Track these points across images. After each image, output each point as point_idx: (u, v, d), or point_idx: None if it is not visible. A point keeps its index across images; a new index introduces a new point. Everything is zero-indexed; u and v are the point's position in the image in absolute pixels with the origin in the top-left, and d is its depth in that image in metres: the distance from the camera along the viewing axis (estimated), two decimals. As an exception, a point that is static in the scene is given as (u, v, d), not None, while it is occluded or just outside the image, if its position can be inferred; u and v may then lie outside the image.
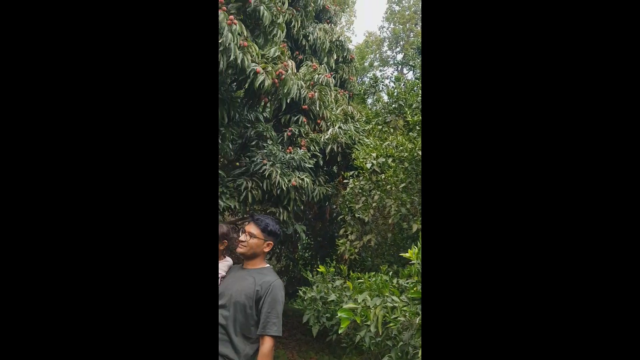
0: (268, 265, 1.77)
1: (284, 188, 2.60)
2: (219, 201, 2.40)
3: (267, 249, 1.72)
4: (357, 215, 2.59)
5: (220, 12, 1.93)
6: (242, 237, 1.66)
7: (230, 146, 2.59)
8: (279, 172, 2.61)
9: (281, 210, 2.73)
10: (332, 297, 1.89)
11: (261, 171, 2.60)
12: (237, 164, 2.88)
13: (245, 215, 3.11)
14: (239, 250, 1.65)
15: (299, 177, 2.66)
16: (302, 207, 2.78)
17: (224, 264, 1.73)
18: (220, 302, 1.53)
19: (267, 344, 1.46)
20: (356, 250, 2.48)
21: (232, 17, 1.98)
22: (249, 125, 2.89)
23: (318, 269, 2.20)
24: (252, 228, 1.66)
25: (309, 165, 2.82)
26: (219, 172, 2.31)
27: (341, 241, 2.58)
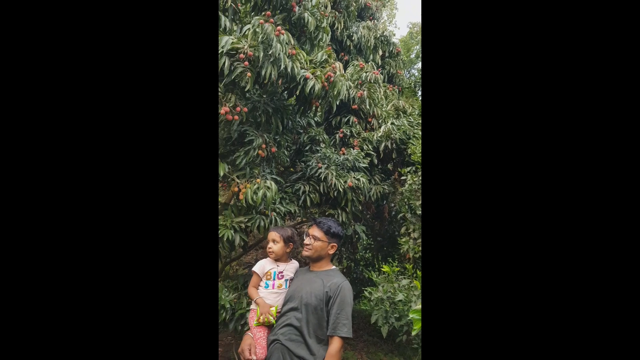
0: (334, 267, 1.78)
1: (341, 189, 2.61)
2: (280, 206, 2.49)
3: (331, 251, 1.73)
4: (417, 212, 2.50)
5: (267, 24, 2.02)
6: (307, 241, 1.70)
7: (286, 153, 2.67)
8: (334, 174, 2.63)
9: (339, 211, 2.74)
10: (400, 297, 1.84)
11: (317, 174, 2.64)
12: (292, 169, 2.97)
13: (303, 219, 3.19)
14: (305, 253, 1.70)
15: (354, 177, 2.65)
16: (360, 208, 2.77)
17: (291, 267, 1.78)
18: (291, 305, 1.58)
19: (335, 344, 1.47)
20: (420, 248, 2.39)
21: (279, 27, 2.05)
22: (301, 131, 2.96)
23: (382, 269, 2.17)
24: (315, 231, 1.70)
25: (364, 165, 2.80)
26: (277, 178, 2.39)
27: (403, 240, 2.51)
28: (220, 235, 2.19)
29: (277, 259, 1.75)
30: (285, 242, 1.75)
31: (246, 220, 2.32)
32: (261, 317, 1.57)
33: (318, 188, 2.68)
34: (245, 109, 2.11)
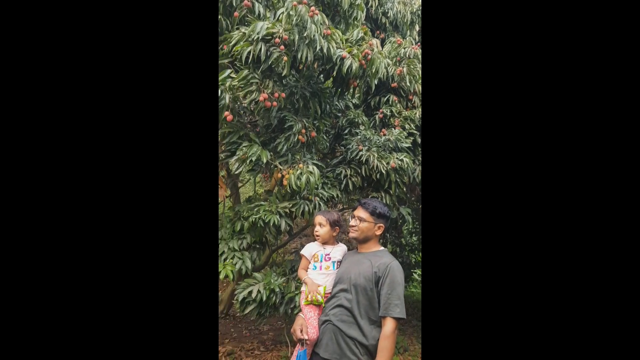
0: (383, 248, 1.75)
1: (383, 171, 2.54)
2: (322, 191, 2.48)
3: (378, 232, 1.70)
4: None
5: (301, 6, 1.98)
6: (353, 222, 1.67)
7: (325, 137, 2.65)
8: (376, 155, 2.56)
9: (383, 194, 2.67)
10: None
11: (358, 157, 2.59)
12: (332, 156, 2.95)
13: (345, 206, 3.16)
14: (351, 235, 1.68)
15: (397, 158, 2.56)
16: (404, 190, 2.68)
17: (339, 250, 1.78)
18: (341, 287, 1.58)
19: (389, 325, 1.44)
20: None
21: (312, 8, 2.01)
22: (339, 114, 2.91)
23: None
24: (360, 212, 1.66)
25: (407, 145, 2.69)
26: (319, 163, 2.38)
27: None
28: (267, 221, 2.24)
29: (324, 242, 1.76)
30: (332, 226, 1.75)
31: (290, 205, 2.34)
32: (309, 295, 1.61)
33: (360, 171, 2.63)
34: (283, 95, 2.11)
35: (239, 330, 3.95)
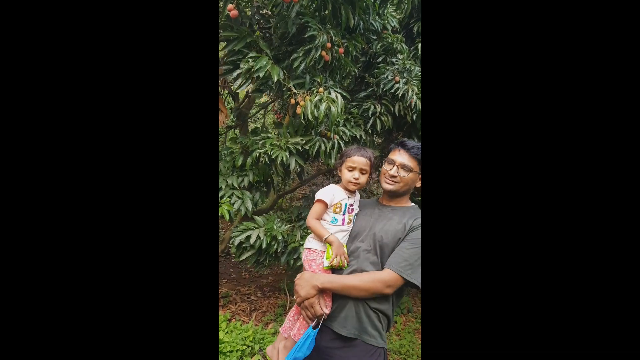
0: (414, 204, 1.34)
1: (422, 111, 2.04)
2: (344, 129, 2.02)
3: (419, 185, 1.28)
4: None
5: None
6: (392, 171, 1.24)
7: (352, 65, 2.10)
8: (416, 90, 2.04)
9: (416, 140, 2.20)
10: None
11: (392, 91, 2.08)
12: (359, 88, 2.42)
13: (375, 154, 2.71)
14: (388, 187, 1.24)
15: (441, 96, 2.05)
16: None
17: (358, 199, 1.36)
18: (361, 246, 1.20)
19: (389, 276, 1.10)
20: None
21: None
22: (374, 37, 2.34)
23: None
24: (405, 159, 1.22)
25: (454, 82, 2.16)
26: (343, 93, 1.89)
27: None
28: (273, 157, 1.83)
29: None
30: (371, 170, 1.28)
31: (303, 142, 1.91)
32: (335, 260, 1.17)
33: (392, 109, 2.14)
34: (308, -12, 1.57)
35: (238, 271, 3.79)
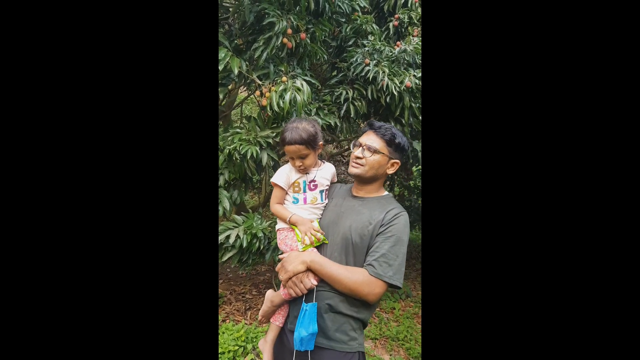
0: (387, 193, 1.27)
1: (395, 93, 1.98)
2: (316, 117, 1.96)
3: (391, 170, 1.20)
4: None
5: None
6: (357, 152, 1.17)
7: (323, 49, 2.03)
8: (387, 71, 1.97)
9: (392, 123, 2.14)
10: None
11: (363, 74, 2.02)
12: (333, 73, 2.35)
13: (347, 137, 2.64)
14: (353, 171, 1.18)
15: (414, 75, 1.98)
16: (420, 118, 2.13)
17: (326, 172, 1.26)
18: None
19: (365, 277, 1.03)
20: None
21: None
22: (343, 20, 2.26)
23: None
24: (372, 139, 1.15)
25: (427, 60, 2.09)
26: (311, 80, 1.82)
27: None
28: (243, 152, 1.77)
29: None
30: (313, 147, 1.18)
31: (274, 134, 1.85)
32: (306, 239, 1.11)
33: (365, 93, 2.07)
34: (259, -28, 1.49)
35: (234, 270, 3.77)
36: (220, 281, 3.52)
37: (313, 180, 1.21)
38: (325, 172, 1.25)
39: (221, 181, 2.00)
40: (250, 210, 2.25)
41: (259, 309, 2.95)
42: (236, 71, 1.57)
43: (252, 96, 3.00)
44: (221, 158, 1.91)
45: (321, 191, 1.22)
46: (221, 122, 3.03)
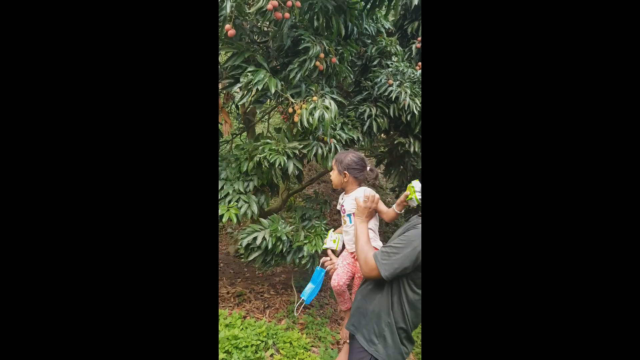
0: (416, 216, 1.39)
1: (416, 112, 2.13)
2: (341, 132, 2.12)
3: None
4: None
5: None
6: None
7: (349, 69, 2.20)
8: (409, 92, 2.12)
9: (412, 140, 2.28)
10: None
11: (386, 94, 2.17)
12: (355, 90, 2.51)
13: (367, 149, 2.76)
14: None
15: (434, 96, 2.12)
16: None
17: (349, 201, 1.43)
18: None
19: (369, 265, 1.15)
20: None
21: None
22: (369, 41, 2.42)
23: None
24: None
25: (447, 82, 2.22)
26: (338, 98, 1.99)
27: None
28: (271, 161, 1.95)
29: (343, 189, 1.47)
30: (339, 169, 1.38)
31: (301, 146, 2.02)
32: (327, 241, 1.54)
33: (387, 111, 2.22)
34: (298, 4, 1.67)
35: (252, 271, 3.95)
36: (239, 280, 3.70)
37: (342, 206, 1.44)
38: (351, 197, 1.40)
39: (251, 187, 2.19)
40: (269, 213, 2.42)
41: (276, 308, 3.10)
42: (273, 90, 1.75)
43: (275, 110, 3.19)
44: (250, 165, 2.09)
45: (349, 215, 1.40)
46: (241, 124, 3.21)
